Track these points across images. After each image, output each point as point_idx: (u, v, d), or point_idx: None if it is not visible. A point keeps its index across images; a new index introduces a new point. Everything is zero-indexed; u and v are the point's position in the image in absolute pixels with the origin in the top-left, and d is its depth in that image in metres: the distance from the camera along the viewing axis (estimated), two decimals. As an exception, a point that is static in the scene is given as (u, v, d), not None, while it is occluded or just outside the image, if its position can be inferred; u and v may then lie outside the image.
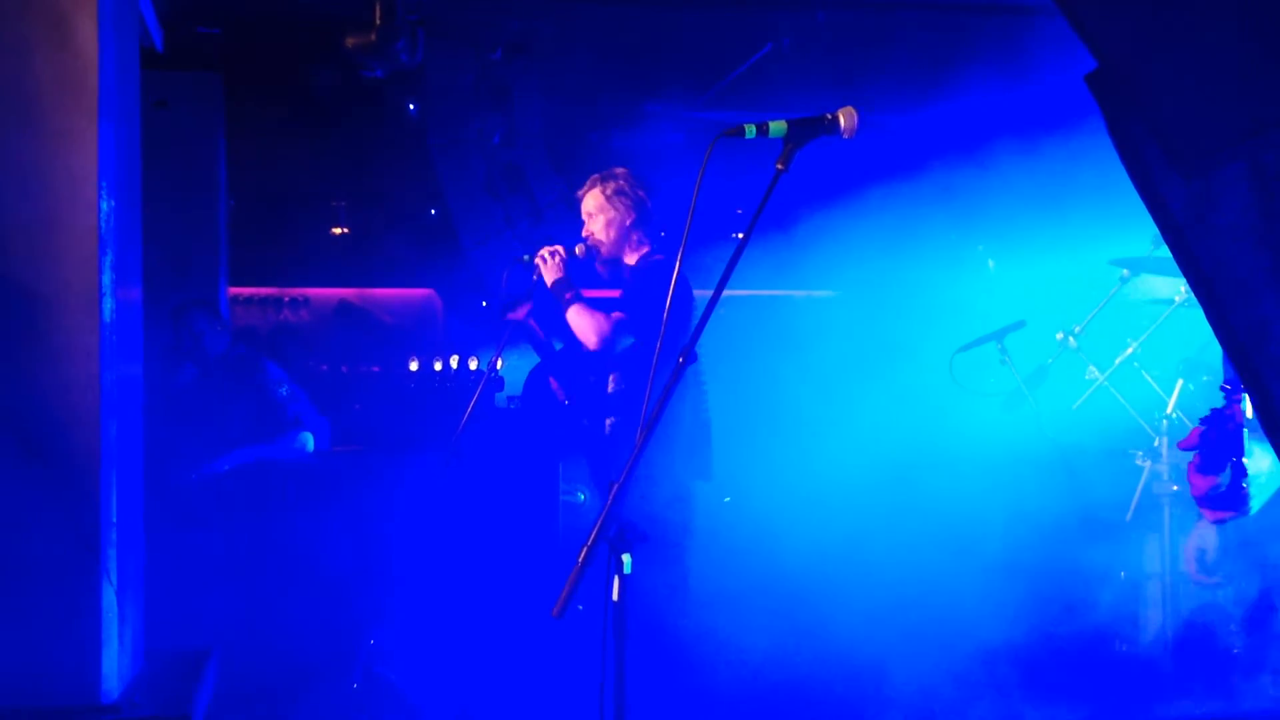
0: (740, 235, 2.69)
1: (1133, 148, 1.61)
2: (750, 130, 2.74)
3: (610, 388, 4.62)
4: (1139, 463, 5.09)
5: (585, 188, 4.68)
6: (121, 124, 3.75)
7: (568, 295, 4.52)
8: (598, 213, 4.62)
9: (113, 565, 3.60)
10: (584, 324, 4.48)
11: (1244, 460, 2.80)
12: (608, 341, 4.45)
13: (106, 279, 3.56)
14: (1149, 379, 5.26)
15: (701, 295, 4.54)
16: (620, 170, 4.68)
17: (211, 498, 5.78)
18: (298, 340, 8.94)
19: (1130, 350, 5.27)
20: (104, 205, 3.52)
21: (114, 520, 3.64)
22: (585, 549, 2.48)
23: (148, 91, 4.49)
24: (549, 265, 4.53)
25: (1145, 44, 1.59)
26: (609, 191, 4.62)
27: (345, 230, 8.88)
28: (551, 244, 4.64)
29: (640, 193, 4.63)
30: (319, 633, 5.27)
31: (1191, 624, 4.44)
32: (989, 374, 5.65)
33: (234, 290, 8.55)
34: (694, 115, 8.17)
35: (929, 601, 5.35)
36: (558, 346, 5.00)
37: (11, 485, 3.48)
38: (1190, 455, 2.89)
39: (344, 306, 9.07)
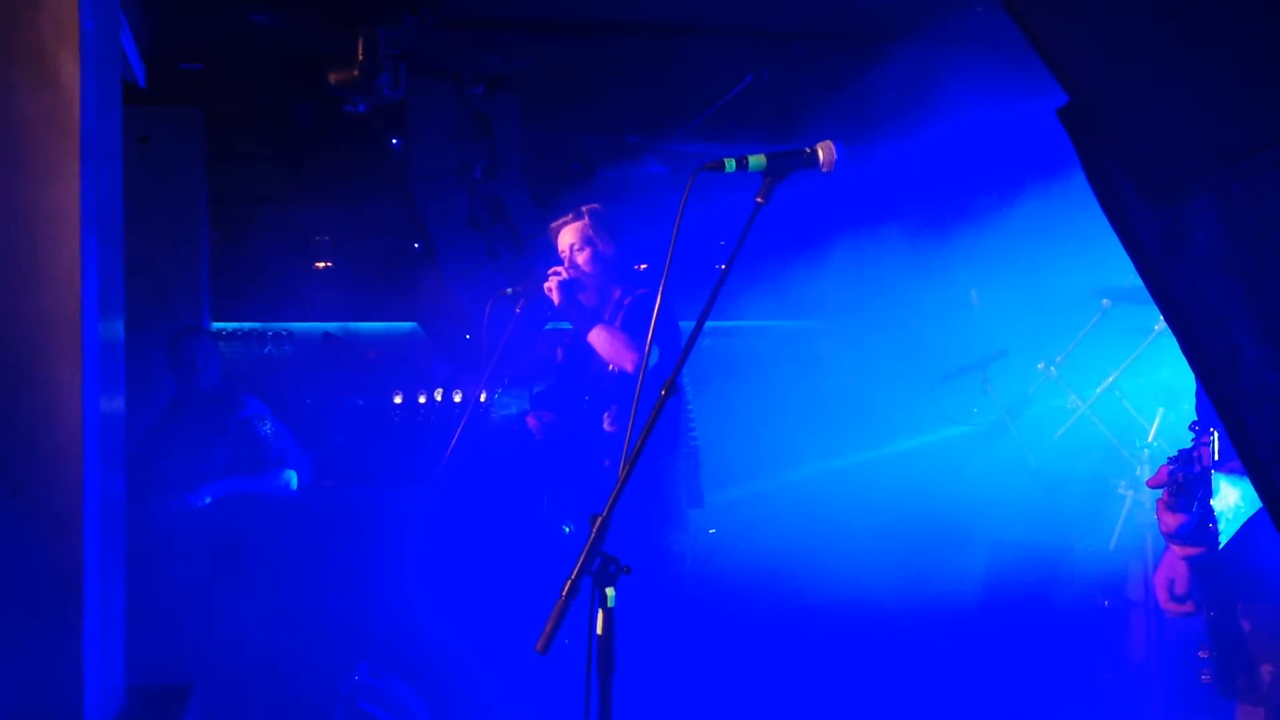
0: (723, 267, 2.71)
1: (1105, 180, 1.63)
2: (730, 164, 2.77)
3: (607, 427, 4.62)
4: (1121, 491, 5.11)
5: (563, 222, 4.69)
6: (103, 160, 3.75)
7: (588, 315, 4.50)
8: (583, 245, 4.63)
9: (94, 603, 3.57)
10: (616, 343, 4.44)
11: (1211, 500, 2.84)
12: (639, 362, 4.38)
13: (88, 314, 3.55)
14: (1130, 408, 5.29)
15: (685, 325, 4.56)
16: (596, 205, 4.71)
17: (195, 532, 5.75)
18: (281, 374, 8.92)
19: (1111, 379, 5.30)
20: (85, 241, 3.51)
21: (96, 557, 3.61)
22: (569, 583, 2.48)
23: (130, 127, 4.50)
24: (557, 289, 4.50)
25: (1115, 78, 1.62)
26: (591, 225, 4.64)
27: (328, 264, 8.89)
28: (530, 277, 4.64)
29: (615, 226, 4.66)
30: (303, 668, 5.24)
31: (1174, 652, 4.45)
32: (972, 403, 5.68)
33: (217, 324, 8.54)
34: (676, 148, 8.21)
35: (912, 630, 5.35)
36: (537, 389, 5.01)
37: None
38: (1159, 493, 2.92)
39: (327, 340, 9.06)
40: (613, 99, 7.79)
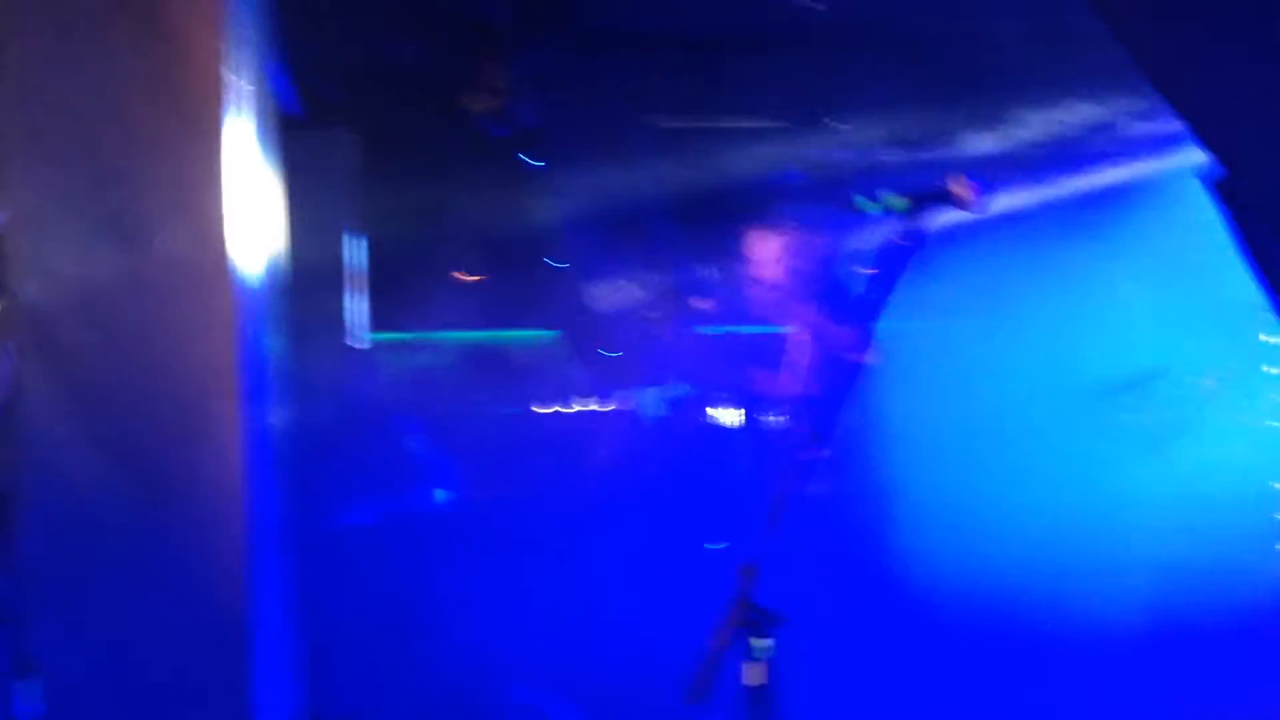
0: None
1: (1261, 249, 1.60)
2: (871, 207, 2.79)
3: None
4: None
5: (761, 233, 4.85)
6: (262, 200, 3.89)
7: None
8: (776, 258, 4.80)
9: (266, 635, 3.65)
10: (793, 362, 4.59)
11: None
12: (803, 389, 4.54)
13: (247, 345, 3.65)
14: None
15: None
16: (792, 220, 4.88)
17: (365, 552, 5.80)
18: (430, 385, 9.07)
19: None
20: (241, 271, 3.63)
21: (265, 587, 3.69)
22: (722, 633, 2.47)
23: (287, 151, 4.58)
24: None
25: (1270, 148, 1.57)
26: (785, 239, 4.79)
27: (476, 278, 9.02)
28: (669, 292, 4.78)
29: (810, 244, 4.82)
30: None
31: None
32: (1134, 418, 5.52)
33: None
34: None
35: (1068, 658, 5.20)
36: (681, 391, 5.09)
37: (161, 558, 3.56)
38: None
39: (475, 352, 9.20)
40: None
